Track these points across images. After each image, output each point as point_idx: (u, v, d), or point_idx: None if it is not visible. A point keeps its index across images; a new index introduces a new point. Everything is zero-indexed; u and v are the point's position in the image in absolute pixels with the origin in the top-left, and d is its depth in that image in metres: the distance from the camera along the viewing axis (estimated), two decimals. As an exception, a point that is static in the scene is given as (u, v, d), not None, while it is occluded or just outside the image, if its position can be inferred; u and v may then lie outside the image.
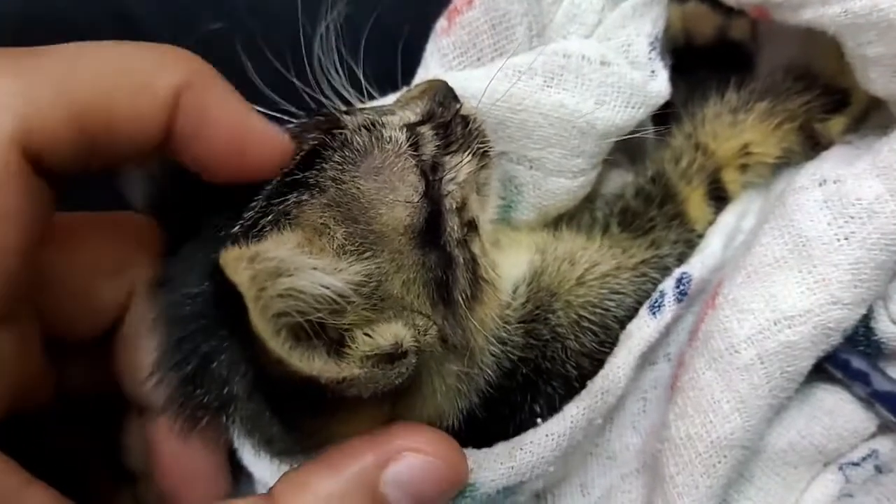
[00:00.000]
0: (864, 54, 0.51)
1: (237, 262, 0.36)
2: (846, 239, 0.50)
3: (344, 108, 0.53)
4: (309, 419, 0.45)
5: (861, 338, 0.53)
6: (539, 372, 0.53)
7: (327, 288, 0.40)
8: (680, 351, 0.56)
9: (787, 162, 0.60)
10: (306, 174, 0.45)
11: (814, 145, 0.59)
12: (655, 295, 0.55)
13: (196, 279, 0.45)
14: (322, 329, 0.41)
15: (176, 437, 0.48)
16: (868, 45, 0.50)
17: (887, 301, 0.52)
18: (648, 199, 0.60)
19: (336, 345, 0.41)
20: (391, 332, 0.43)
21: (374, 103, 0.55)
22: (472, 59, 0.56)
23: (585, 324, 0.54)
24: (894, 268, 0.50)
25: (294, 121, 0.51)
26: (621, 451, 0.57)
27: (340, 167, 0.46)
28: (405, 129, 0.49)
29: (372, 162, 0.47)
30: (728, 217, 0.60)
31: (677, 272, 0.56)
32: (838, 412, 0.54)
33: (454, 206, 0.49)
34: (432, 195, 0.48)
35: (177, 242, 0.48)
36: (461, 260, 0.48)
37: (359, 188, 0.46)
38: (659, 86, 0.57)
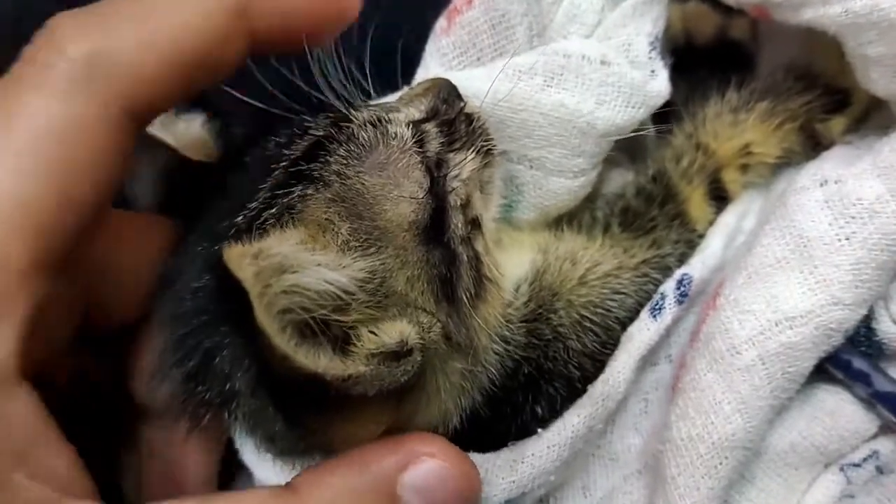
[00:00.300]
0: (864, 54, 0.51)
1: (241, 259, 0.36)
2: (847, 239, 0.49)
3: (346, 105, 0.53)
4: (313, 416, 0.44)
5: (862, 338, 0.53)
6: (541, 372, 0.53)
7: (331, 284, 0.40)
8: (681, 352, 0.56)
9: (787, 162, 0.60)
10: (311, 166, 0.45)
11: (814, 145, 0.59)
12: (656, 297, 0.55)
13: (198, 273, 0.45)
14: (327, 326, 0.41)
15: (174, 445, 0.49)
16: (869, 44, 0.50)
17: (888, 301, 0.52)
18: (649, 198, 0.60)
19: (341, 342, 0.41)
20: (396, 330, 0.43)
21: (378, 101, 0.55)
22: (472, 58, 0.56)
23: (587, 324, 0.54)
24: (895, 268, 0.50)
25: (295, 118, 0.51)
26: (623, 452, 0.57)
27: (345, 162, 0.46)
28: (410, 126, 0.49)
29: (377, 157, 0.47)
30: (728, 217, 0.60)
31: (678, 273, 0.56)
32: (839, 413, 0.54)
33: (458, 203, 0.49)
34: (437, 192, 0.48)
35: (180, 236, 0.48)
36: (465, 257, 0.48)
37: (363, 184, 0.46)
38: (659, 85, 0.56)
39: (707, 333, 0.52)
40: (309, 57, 0.52)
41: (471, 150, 0.51)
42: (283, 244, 0.39)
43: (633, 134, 0.57)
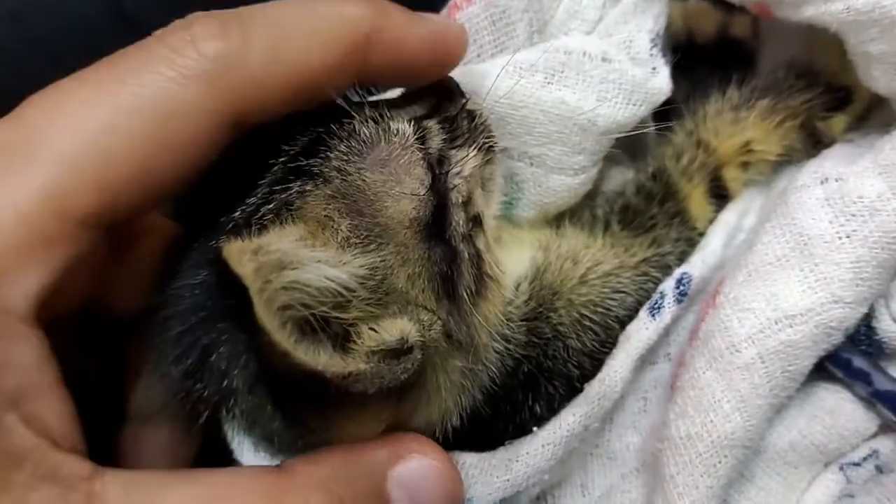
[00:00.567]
0: (866, 52, 0.51)
1: (241, 254, 0.36)
2: (848, 237, 0.49)
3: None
4: (313, 415, 0.44)
5: (862, 337, 0.53)
6: (541, 370, 0.53)
7: (332, 281, 0.40)
8: (680, 350, 0.56)
9: (788, 160, 0.60)
10: (310, 162, 0.45)
11: (815, 143, 0.59)
12: (655, 296, 0.55)
13: (195, 269, 0.44)
14: (327, 323, 0.40)
15: (160, 453, 0.49)
16: (870, 42, 0.50)
17: (889, 300, 0.52)
18: (649, 196, 0.60)
19: (341, 339, 0.41)
20: (397, 327, 0.43)
21: (379, 96, 0.55)
22: (472, 54, 0.56)
23: (587, 322, 0.54)
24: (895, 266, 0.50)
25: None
26: (621, 450, 0.57)
27: (346, 158, 0.46)
28: (412, 122, 0.49)
29: (378, 154, 0.47)
30: (729, 215, 0.59)
31: (677, 272, 0.56)
32: (839, 412, 0.54)
33: (460, 200, 0.49)
34: (438, 188, 0.48)
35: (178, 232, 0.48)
36: (466, 255, 0.48)
37: (364, 180, 0.46)
38: (660, 82, 0.56)
39: (706, 331, 0.52)
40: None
41: (472, 147, 0.50)
42: (282, 240, 0.39)
43: (634, 132, 0.57)
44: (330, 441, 0.47)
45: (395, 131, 0.48)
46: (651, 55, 0.57)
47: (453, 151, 0.50)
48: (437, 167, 0.48)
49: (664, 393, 0.56)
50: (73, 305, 0.45)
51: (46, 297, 0.38)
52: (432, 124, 0.50)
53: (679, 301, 0.54)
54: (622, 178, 0.63)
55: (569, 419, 0.51)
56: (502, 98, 0.53)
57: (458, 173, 0.49)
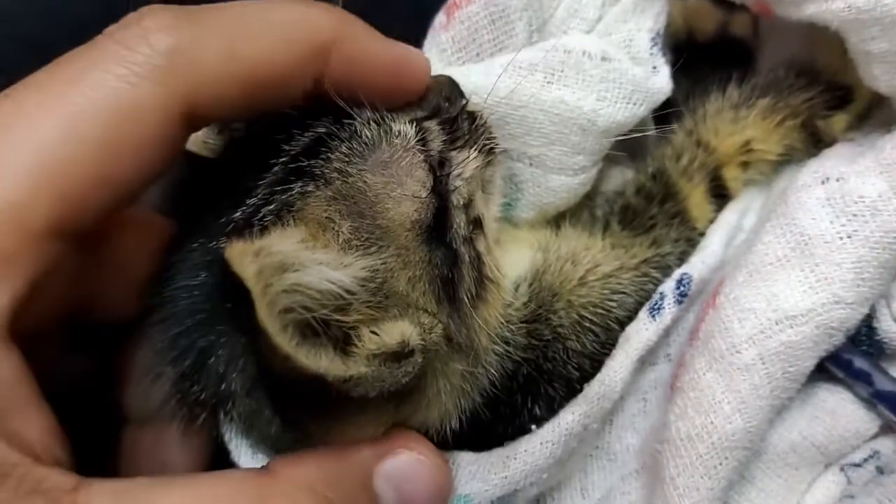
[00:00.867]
0: (867, 50, 0.50)
1: (242, 256, 0.35)
2: (849, 237, 0.49)
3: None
4: (312, 419, 0.44)
5: (863, 337, 0.52)
6: (540, 372, 0.52)
7: (333, 284, 0.40)
8: (680, 351, 0.56)
9: (788, 159, 0.59)
10: (311, 163, 0.45)
11: (816, 142, 0.58)
12: (655, 297, 0.55)
13: (193, 271, 0.44)
14: (328, 327, 0.40)
15: (159, 452, 0.48)
16: (872, 40, 0.50)
17: (890, 300, 0.52)
18: (649, 196, 0.60)
19: (342, 343, 0.41)
20: (398, 330, 0.43)
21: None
22: (472, 54, 0.56)
23: (587, 324, 0.54)
24: (897, 266, 0.50)
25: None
26: (621, 452, 0.57)
27: (347, 159, 0.45)
28: (413, 124, 0.49)
29: (380, 155, 0.46)
30: (729, 215, 0.59)
31: (677, 273, 0.55)
32: (840, 412, 0.53)
33: (461, 203, 0.48)
34: (440, 191, 0.47)
35: (175, 233, 0.48)
36: (467, 258, 0.48)
37: (366, 182, 0.45)
38: (660, 82, 0.56)
39: (706, 332, 0.52)
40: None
41: (473, 149, 0.50)
42: (284, 242, 0.39)
43: (633, 134, 0.57)
44: (328, 445, 0.47)
45: (397, 133, 0.47)
46: (651, 54, 0.57)
47: (454, 153, 0.49)
48: (439, 169, 0.48)
49: (664, 394, 0.56)
50: (52, 315, 0.44)
51: (18, 312, 0.37)
52: (433, 126, 0.50)
53: (679, 302, 0.54)
54: (622, 178, 0.63)
55: (567, 418, 0.50)
56: (502, 98, 0.53)
57: (459, 175, 0.49)
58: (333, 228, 0.44)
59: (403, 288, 0.45)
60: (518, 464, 0.49)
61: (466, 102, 0.52)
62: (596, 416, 0.51)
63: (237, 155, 0.50)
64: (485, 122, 0.52)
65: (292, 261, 0.38)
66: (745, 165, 0.60)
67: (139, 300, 0.48)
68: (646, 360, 0.55)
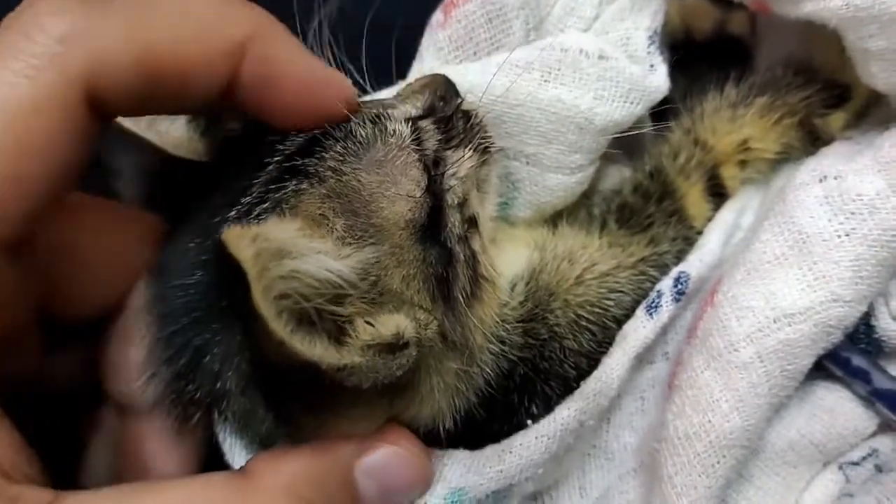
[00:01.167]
0: (865, 48, 0.50)
1: (240, 240, 0.35)
2: (847, 235, 0.49)
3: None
4: (305, 412, 0.44)
5: (862, 335, 0.52)
6: (537, 372, 0.52)
7: (331, 272, 0.40)
8: (678, 349, 0.56)
9: (786, 158, 0.59)
10: (305, 161, 0.45)
11: (814, 141, 0.58)
12: (653, 295, 0.55)
13: (188, 269, 0.44)
14: (323, 316, 0.40)
15: (151, 441, 0.48)
16: (869, 38, 0.50)
17: (888, 298, 0.52)
18: (646, 195, 0.59)
19: (337, 332, 0.41)
20: (393, 323, 0.43)
21: (373, 97, 0.54)
22: (469, 52, 0.56)
23: (584, 323, 0.54)
24: (895, 264, 0.49)
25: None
26: (619, 450, 0.57)
27: (342, 158, 0.46)
28: (408, 123, 0.49)
29: (374, 155, 0.46)
30: (727, 214, 0.59)
31: (675, 271, 0.55)
32: (838, 411, 0.53)
33: (456, 202, 0.48)
34: (434, 190, 0.47)
35: (169, 232, 0.48)
36: (462, 257, 0.48)
37: (360, 180, 0.45)
38: (658, 80, 0.56)
39: (704, 330, 0.51)
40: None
41: (468, 148, 0.50)
42: (281, 230, 0.39)
43: (631, 132, 0.56)
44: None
45: (392, 132, 0.47)
46: (648, 52, 0.57)
47: (449, 152, 0.49)
48: (433, 168, 0.48)
49: (662, 392, 0.56)
50: (17, 322, 0.43)
51: None
52: (428, 125, 0.50)
53: (677, 300, 0.53)
54: (619, 176, 0.62)
55: (563, 413, 0.50)
56: (498, 97, 0.53)
57: (453, 175, 0.49)
58: (327, 225, 0.44)
59: (398, 286, 0.45)
60: (513, 458, 0.49)
61: (461, 101, 0.52)
62: (592, 413, 0.51)
63: (232, 155, 0.50)
64: (480, 121, 0.52)
65: (290, 248, 0.38)
66: (742, 164, 0.60)
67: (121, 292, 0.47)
68: (643, 359, 0.55)
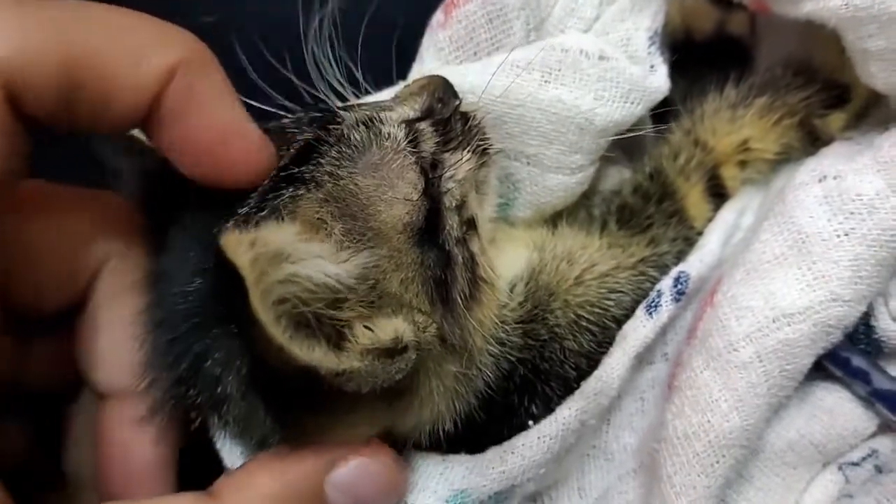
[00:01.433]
0: (865, 48, 0.50)
1: (238, 245, 0.35)
2: (846, 235, 0.49)
3: (339, 103, 0.52)
4: (305, 417, 0.44)
5: (861, 336, 0.52)
6: (537, 373, 0.52)
7: (329, 277, 0.40)
8: (677, 350, 0.56)
9: (786, 158, 0.59)
10: (302, 169, 0.45)
11: (813, 141, 0.58)
12: (652, 294, 0.55)
13: (187, 276, 0.44)
14: (321, 321, 0.40)
15: (128, 427, 0.47)
16: (869, 38, 0.50)
17: (888, 298, 0.52)
18: (646, 196, 0.59)
19: (336, 336, 0.40)
20: (392, 327, 0.43)
21: (371, 98, 0.54)
22: (469, 53, 0.56)
23: (584, 323, 0.54)
24: (895, 264, 0.49)
25: (289, 116, 0.50)
26: (618, 451, 0.57)
27: (337, 163, 0.45)
28: (404, 126, 0.49)
29: (370, 158, 0.46)
30: (727, 214, 0.59)
31: (675, 271, 0.55)
32: (838, 411, 0.53)
33: (454, 205, 0.48)
34: (432, 193, 0.47)
35: (166, 238, 0.48)
36: (460, 259, 0.47)
37: (356, 185, 0.45)
38: (658, 80, 0.56)
39: (704, 330, 0.51)
40: (302, 51, 0.51)
41: (466, 150, 0.50)
42: (279, 234, 0.39)
43: (631, 133, 0.57)
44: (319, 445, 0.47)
45: (387, 135, 0.47)
46: (649, 53, 0.57)
47: (447, 155, 0.49)
48: (431, 171, 0.48)
49: (662, 393, 0.56)
50: None
51: None
52: (425, 127, 0.49)
53: (677, 300, 0.53)
54: (619, 177, 0.62)
55: (564, 413, 0.50)
56: (498, 97, 0.53)
57: (451, 177, 0.49)
58: (325, 230, 0.44)
59: (396, 289, 0.45)
60: (516, 458, 0.49)
61: (460, 103, 0.52)
62: (593, 413, 0.51)
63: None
64: (479, 123, 0.52)
65: (288, 252, 0.38)
66: (742, 164, 0.60)
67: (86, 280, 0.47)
68: (643, 360, 0.55)
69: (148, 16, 0.43)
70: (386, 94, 0.55)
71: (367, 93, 0.55)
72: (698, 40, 0.67)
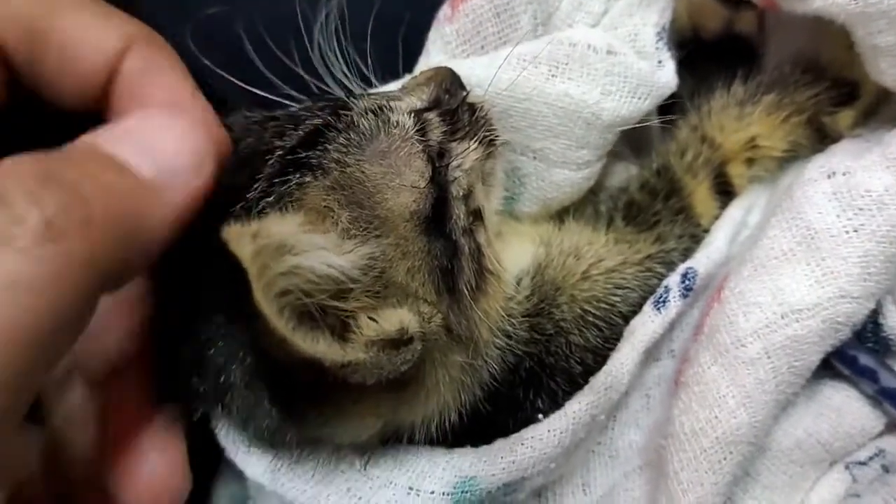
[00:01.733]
0: (874, 44, 0.50)
1: (240, 237, 0.35)
2: (855, 231, 0.49)
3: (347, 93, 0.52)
4: (309, 408, 0.44)
5: (869, 334, 0.52)
6: (543, 366, 0.52)
7: (332, 268, 0.40)
8: (684, 347, 0.55)
9: (794, 156, 0.59)
10: (309, 154, 0.45)
11: (822, 139, 0.58)
12: (660, 290, 0.54)
13: (193, 266, 0.44)
14: (325, 313, 0.40)
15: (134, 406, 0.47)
16: (879, 34, 0.49)
17: (896, 296, 0.51)
18: (653, 192, 0.59)
19: (340, 328, 0.40)
20: (396, 318, 0.42)
21: (379, 90, 0.54)
22: (476, 46, 0.55)
23: (590, 318, 0.54)
24: (904, 261, 0.49)
25: (294, 105, 0.50)
26: (624, 448, 0.56)
27: (345, 150, 0.45)
28: (412, 115, 0.48)
29: (378, 146, 0.46)
30: (734, 211, 0.59)
31: (682, 267, 0.55)
32: (845, 410, 0.53)
33: (461, 194, 0.48)
34: (439, 181, 0.47)
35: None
36: (467, 249, 0.47)
37: (364, 172, 0.45)
38: (666, 76, 0.56)
39: (711, 326, 0.51)
40: (309, 43, 0.51)
41: (473, 140, 0.50)
42: (282, 225, 0.39)
43: (638, 125, 0.56)
44: (329, 437, 0.47)
45: (395, 123, 0.47)
46: (657, 48, 0.56)
47: (454, 144, 0.49)
48: (438, 160, 0.48)
49: (668, 390, 0.55)
50: None
51: None
52: (432, 117, 0.50)
53: (684, 296, 0.53)
54: (626, 173, 0.62)
55: (574, 407, 0.50)
56: (505, 90, 0.53)
57: (458, 166, 0.49)
58: (332, 217, 0.43)
59: (402, 278, 0.45)
60: (526, 450, 0.49)
61: (467, 94, 0.51)
62: (603, 407, 0.51)
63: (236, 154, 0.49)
64: (485, 114, 0.52)
65: (291, 244, 0.38)
66: (750, 162, 0.60)
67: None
68: (650, 356, 0.55)
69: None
70: (392, 87, 0.55)
71: (373, 85, 0.55)
72: (705, 39, 0.67)
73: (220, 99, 0.59)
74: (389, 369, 0.41)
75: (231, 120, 0.48)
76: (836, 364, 0.52)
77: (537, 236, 0.57)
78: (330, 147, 0.45)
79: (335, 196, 0.44)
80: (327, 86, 0.52)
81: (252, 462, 0.51)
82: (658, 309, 0.53)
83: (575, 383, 0.52)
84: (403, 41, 0.56)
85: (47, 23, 0.41)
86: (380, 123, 0.47)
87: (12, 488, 0.38)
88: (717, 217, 0.59)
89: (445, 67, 0.52)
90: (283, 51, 0.52)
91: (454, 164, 0.49)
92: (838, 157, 0.53)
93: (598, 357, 0.53)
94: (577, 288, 0.54)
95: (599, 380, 0.51)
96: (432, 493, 0.49)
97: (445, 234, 0.47)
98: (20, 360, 0.31)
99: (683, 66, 0.58)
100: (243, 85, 0.49)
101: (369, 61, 0.54)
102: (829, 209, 0.50)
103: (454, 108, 0.51)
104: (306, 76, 0.52)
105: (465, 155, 0.49)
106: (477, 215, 0.49)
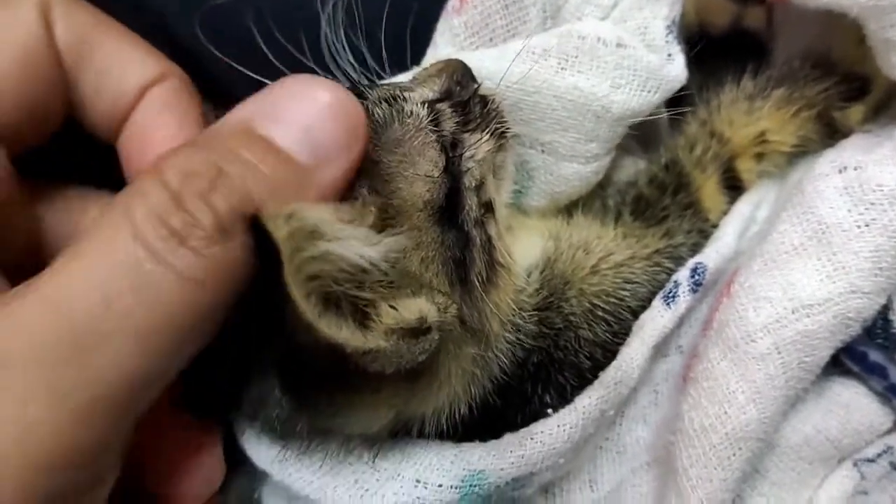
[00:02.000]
0: (887, 38, 0.50)
1: (275, 218, 0.35)
2: (867, 226, 0.48)
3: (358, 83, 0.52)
4: (323, 398, 0.44)
5: (879, 330, 0.52)
6: (551, 361, 0.52)
7: (362, 258, 0.40)
8: (693, 342, 0.55)
9: (803, 151, 0.58)
10: None
11: (832, 134, 0.58)
12: (670, 285, 0.54)
13: None
14: (348, 300, 0.40)
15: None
16: (891, 27, 0.49)
17: (906, 293, 0.51)
18: (662, 187, 0.59)
19: (362, 315, 0.40)
20: (416, 307, 0.42)
21: (390, 80, 0.54)
22: (485, 39, 0.55)
23: (599, 313, 0.54)
24: (915, 257, 0.49)
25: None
26: (631, 444, 0.56)
27: None
28: (425, 105, 0.48)
29: (392, 134, 0.46)
30: (743, 206, 0.59)
31: (692, 262, 0.55)
32: (854, 406, 0.53)
33: (473, 185, 0.48)
34: (452, 171, 0.47)
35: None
36: (478, 241, 0.47)
37: (379, 161, 0.45)
38: (676, 69, 0.55)
39: (721, 321, 0.51)
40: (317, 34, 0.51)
41: (485, 132, 0.50)
42: (316, 210, 0.39)
43: (647, 118, 0.56)
44: (335, 428, 0.46)
45: (409, 113, 0.47)
46: (667, 42, 0.56)
47: (466, 135, 0.49)
48: (451, 150, 0.48)
49: (676, 386, 0.55)
50: None
51: None
52: (445, 108, 0.49)
53: (694, 291, 0.53)
54: (634, 168, 0.62)
55: (584, 402, 0.50)
56: (515, 84, 0.52)
57: (471, 157, 0.49)
58: (362, 207, 0.43)
59: (416, 269, 0.45)
60: (535, 444, 0.49)
61: (478, 86, 0.51)
62: (613, 402, 0.51)
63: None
64: (497, 106, 0.52)
65: (325, 230, 0.38)
66: (759, 157, 0.59)
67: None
68: (658, 352, 0.54)
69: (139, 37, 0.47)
70: (401, 78, 0.54)
71: (381, 77, 0.54)
72: (713, 35, 0.67)
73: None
74: (408, 358, 0.41)
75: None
76: (845, 360, 0.52)
77: (546, 230, 0.57)
78: None
79: (359, 185, 0.44)
80: (336, 78, 0.52)
81: (261, 451, 0.51)
82: (668, 304, 0.53)
83: (583, 378, 0.52)
84: (411, 33, 0.56)
85: (93, 44, 0.44)
86: (394, 113, 0.47)
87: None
88: (725, 212, 0.59)
89: (456, 59, 0.52)
90: (292, 42, 0.52)
91: (467, 154, 0.48)
92: (849, 151, 0.53)
93: (607, 352, 0.53)
94: (587, 282, 0.54)
95: (609, 374, 0.51)
96: (440, 486, 0.49)
97: (458, 225, 0.47)
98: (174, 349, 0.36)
99: (692, 61, 0.58)
100: (253, 75, 0.48)
101: (376, 53, 0.53)
102: (840, 204, 0.49)
103: (466, 99, 0.50)
104: (316, 68, 0.51)
105: (478, 146, 0.49)
106: (488, 207, 0.49)
